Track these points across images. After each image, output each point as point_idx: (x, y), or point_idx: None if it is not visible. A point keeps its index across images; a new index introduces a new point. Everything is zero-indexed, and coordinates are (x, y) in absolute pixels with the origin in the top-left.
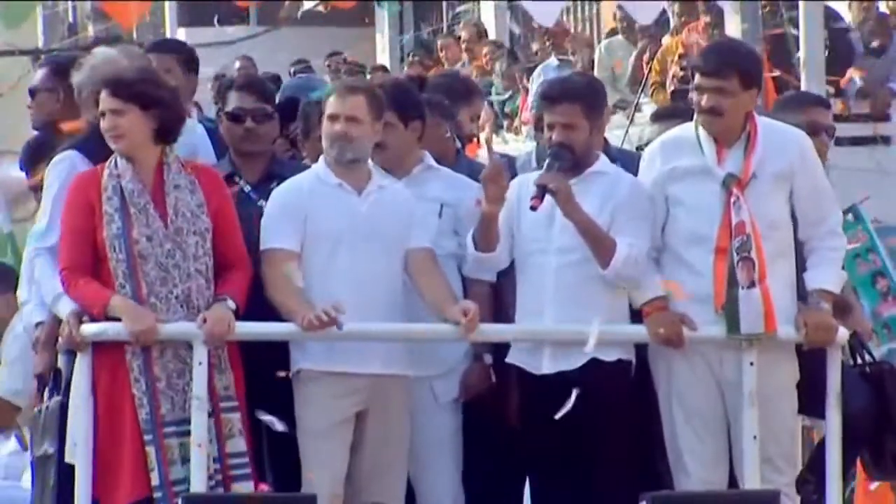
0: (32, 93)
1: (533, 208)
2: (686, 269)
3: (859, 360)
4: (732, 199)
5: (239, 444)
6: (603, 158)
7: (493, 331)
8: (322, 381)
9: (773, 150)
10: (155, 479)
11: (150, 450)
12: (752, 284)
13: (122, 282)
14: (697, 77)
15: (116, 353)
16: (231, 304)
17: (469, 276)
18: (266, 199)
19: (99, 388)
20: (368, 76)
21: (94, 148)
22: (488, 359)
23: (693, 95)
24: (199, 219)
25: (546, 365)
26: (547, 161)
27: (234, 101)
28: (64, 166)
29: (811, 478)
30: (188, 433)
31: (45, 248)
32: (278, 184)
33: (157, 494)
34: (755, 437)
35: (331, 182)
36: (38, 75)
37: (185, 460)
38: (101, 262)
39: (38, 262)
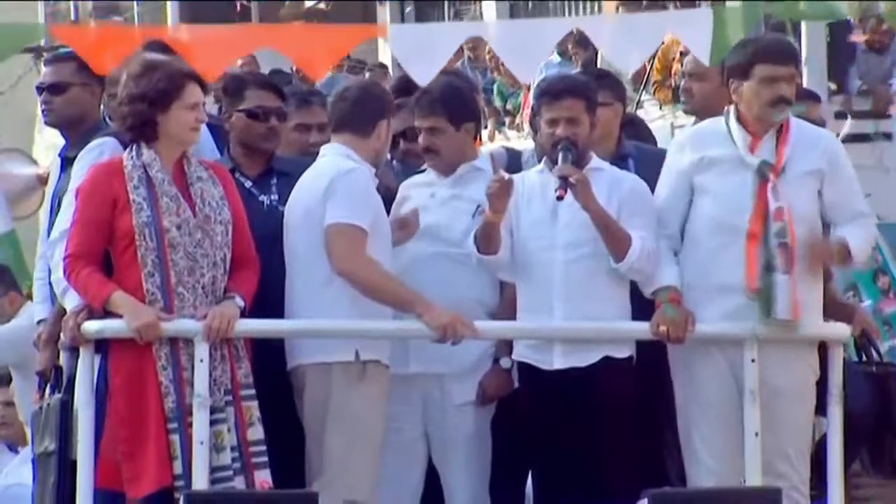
0: (60, 88)
1: (560, 198)
2: (709, 258)
3: (865, 359)
4: (770, 185)
5: (258, 431)
6: (594, 156)
7: (499, 328)
8: (388, 379)
9: (802, 148)
10: (178, 468)
11: (175, 438)
12: (787, 271)
13: (150, 270)
14: (774, 67)
15: (137, 345)
16: (240, 301)
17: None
18: (266, 194)
19: (118, 379)
20: (367, 74)
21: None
22: (506, 363)
23: (757, 87)
24: (222, 209)
25: (558, 360)
26: (560, 154)
27: (255, 99)
28: (99, 151)
29: (811, 475)
30: (213, 422)
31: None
32: (278, 179)
33: (178, 483)
34: (757, 434)
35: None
36: (63, 70)
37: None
38: (122, 251)
39: (62, 245)
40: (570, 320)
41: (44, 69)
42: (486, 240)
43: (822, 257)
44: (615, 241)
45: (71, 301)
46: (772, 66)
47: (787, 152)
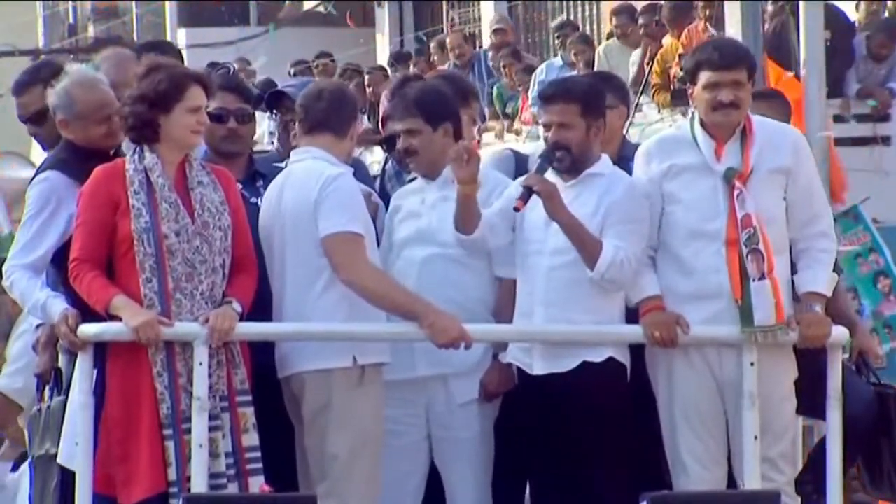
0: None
1: (516, 209)
2: (682, 266)
3: (864, 379)
4: (736, 193)
5: (253, 438)
6: (604, 160)
7: (486, 330)
8: (388, 382)
9: (768, 146)
10: (172, 475)
11: (170, 445)
12: (762, 276)
13: (148, 276)
14: (710, 73)
15: (133, 349)
16: (237, 306)
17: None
18: (256, 196)
19: (113, 384)
20: (367, 76)
21: (73, 165)
22: (506, 358)
23: (702, 93)
24: (222, 215)
25: (538, 366)
26: (538, 163)
27: (216, 101)
28: (44, 187)
29: (809, 478)
30: (208, 429)
31: (23, 265)
32: (264, 182)
33: (172, 489)
34: (756, 438)
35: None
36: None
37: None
38: (122, 255)
39: (16, 277)
40: (549, 325)
41: None
42: (461, 217)
43: (818, 324)
44: (586, 250)
45: (54, 312)
46: (713, 72)
47: (753, 156)
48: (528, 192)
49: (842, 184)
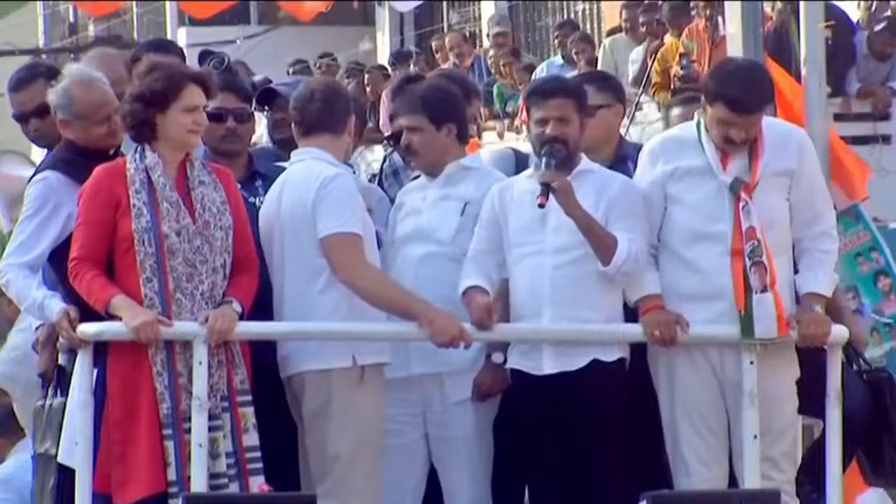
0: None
1: (541, 206)
2: (686, 267)
3: (855, 367)
4: (742, 205)
5: (254, 437)
6: (585, 158)
7: (494, 331)
8: (387, 381)
9: (775, 150)
10: (172, 475)
11: (169, 445)
12: (764, 289)
13: (149, 276)
14: (728, 113)
15: (134, 349)
16: (237, 306)
17: None
18: (254, 195)
19: (113, 383)
20: (367, 76)
21: (72, 165)
22: (497, 358)
23: (715, 123)
24: (223, 215)
25: (547, 365)
26: (543, 159)
27: (215, 100)
28: (42, 186)
29: (806, 479)
30: (209, 429)
31: (19, 264)
32: (263, 182)
33: (172, 489)
34: (756, 437)
35: None
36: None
37: None
38: (122, 254)
39: (11, 276)
40: (560, 324)
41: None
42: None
43: (819, 323)
44: (601, 245)
45: (51, 312)
46: (731, 114)
47: (761, 167)
48: (546, 189)
49: (849, 185)
